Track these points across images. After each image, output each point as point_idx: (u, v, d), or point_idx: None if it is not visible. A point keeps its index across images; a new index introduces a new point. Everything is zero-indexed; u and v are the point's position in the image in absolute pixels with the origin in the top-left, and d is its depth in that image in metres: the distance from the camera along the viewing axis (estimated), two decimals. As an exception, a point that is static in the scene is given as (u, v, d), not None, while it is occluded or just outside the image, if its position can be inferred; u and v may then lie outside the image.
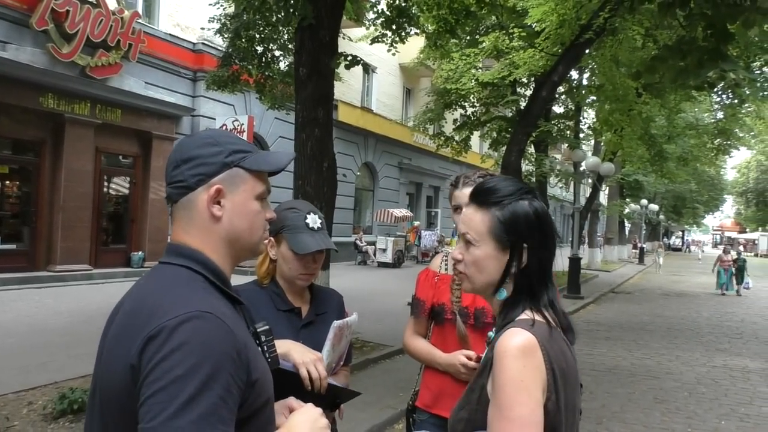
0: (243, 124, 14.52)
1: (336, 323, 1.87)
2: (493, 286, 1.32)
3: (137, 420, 0.94)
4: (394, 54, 10.84)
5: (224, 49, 10.16)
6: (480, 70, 14.73)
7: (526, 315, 1.26)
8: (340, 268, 17.76)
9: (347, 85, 19.11)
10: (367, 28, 11.23)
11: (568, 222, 46.94)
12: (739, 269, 18.59)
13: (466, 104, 16.08)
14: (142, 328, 0.99)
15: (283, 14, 8.30)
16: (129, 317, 1.05)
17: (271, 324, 1.88)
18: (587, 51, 10.39)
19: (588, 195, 22.17)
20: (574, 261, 15.10)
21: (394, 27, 9.02)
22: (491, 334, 1.37)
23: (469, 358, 2.09)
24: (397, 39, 9.72)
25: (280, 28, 9.46)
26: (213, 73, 10.63)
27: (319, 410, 1.24)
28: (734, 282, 18.55)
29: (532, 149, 16.37)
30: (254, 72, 10.16)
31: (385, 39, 9.99)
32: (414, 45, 15.05)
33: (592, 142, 23.89)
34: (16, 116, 11.05)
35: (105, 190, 13.31)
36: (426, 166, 25.14)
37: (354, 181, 21.03)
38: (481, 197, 1.32)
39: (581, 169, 16.92)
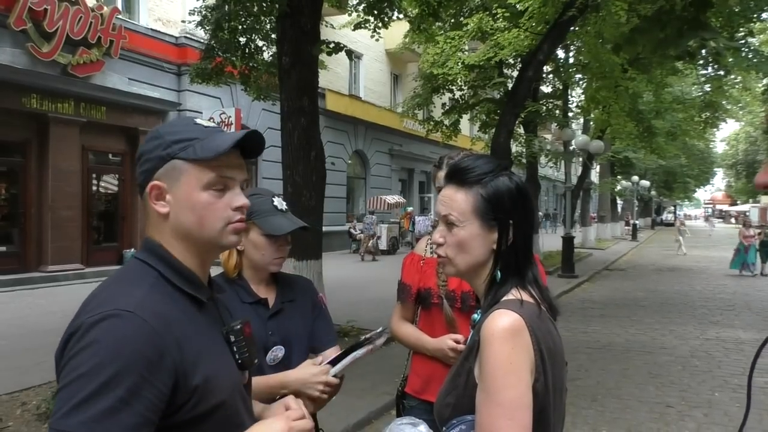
0: (230, 116, 14.44)
1: (361, 351, 1.84)
2: (476, 267, 1.29)
3: None
4: (377, 40, 10.74)
5: (207, 42, 10.04)
6: (466, 53, 14.65)
7: (513, 295, 1.24)
8: (335, 257, 17.76)
9: (334, 74, 19.00)
10: (350, 15, 11.13)
11: (560, 202, 47.06)
12: (764, 245, 16.21)
13: (453, 88, 15.99)
14: (71, 324, 0.99)
15: (264, 4, 8.21)
16: (78, 310, 1.04)
17: (239, 317, 1.87)
18: (572, 29, 10.34)
19: (579, 174, 22.19)
20: (568, 240, 15.13)
21: (375, 12, 8.93)
22: (475, 316, 1.35)
23: (457, 342, 2.07)
24: (380, 24, 9.63)
25: (262, 18, 9.36)
26: (196, 65, 10.50)
27: (285, 427, 1.14)
28: (758, 260, 16.21)
29: (521, 130, 16.35)
30: (238, 63, 10.05)
31: (368, 25, 9.90)
32: (399, 30, 14.94)
33: (582, 120, 23.87)
34: (-1, 118, 10.94)
35: (94, 188, 13.23)
36: (417, 151, 25.08)
37: (345, 169, 20.96)
38: (460, 176, 1.29)
39: (571, 148, 16.90)
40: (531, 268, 1.29)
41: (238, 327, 1.19)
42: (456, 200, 1.28)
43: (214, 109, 14.75)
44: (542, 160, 17.35)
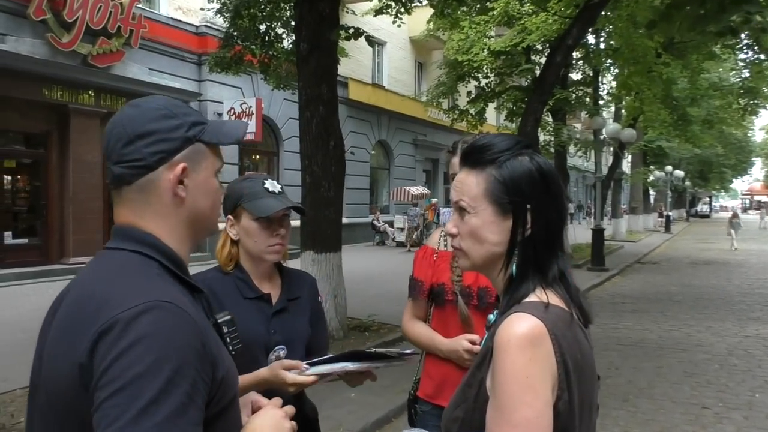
0: (251, 106, 14.31)
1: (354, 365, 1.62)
2: (494, 259, 1.10)
3: (86, 425, 0.84)
4: (399, 26, 10.45)
5: (226, 30, 9.88)
6: (492, 39, 14.27)
7: (536, 296, 1.04)
8: (358, 249, 17.61)
9: (357, 62, 18.74)
10: (368, 0, 10.85)
11: (590, 192, 46.27)
12: None
13: (479, 75, 15.63)
14: (91, 322, 0.88)
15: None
16: (74, 308, 0.94)
17: (239, 314, 1.67)
18: (602, 12, 9.90)
19: (610, 164, 21.65)
20: (598, 232, 14.75)
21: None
22: (491, 317, 1.18)
23: (473, 343, 1.91)
24: (403, 10, 9.35)
25: (282, 4, 9.16)
26: (215, 54, 10.36)
27: (282, 411, 1.13)
28: None
29: (550, 119, 15.92)
30: (257, 52, 9.89)
31: (389, 10, 9.62)
32: (423, 16, 14.62)
33: (613, 108, 23.25)
34: (20, 109, 10.94)
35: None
36: (441, 141, 24.69)
37: (368, 160, 20.75)
38: (474, 156, 1.13)
39: (602, 137, 16.43)
40: (557, 263, 1.09)
41: (229, 317, 1.20)
42: (467, 183, 1.12)
43: (235, 98, 14.63)
44: (571, 149, 16.93)
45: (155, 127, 1.01)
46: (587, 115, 18.05)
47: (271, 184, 1.77)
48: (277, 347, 1.75)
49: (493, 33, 14.44)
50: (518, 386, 0.96)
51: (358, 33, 7.53)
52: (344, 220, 17.90)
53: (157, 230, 1.02)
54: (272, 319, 1.77)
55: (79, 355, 0.87)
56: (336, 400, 4.74)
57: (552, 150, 15.54)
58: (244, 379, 1.58)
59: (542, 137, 16.15)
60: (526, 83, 15.31)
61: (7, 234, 11.07)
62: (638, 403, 5.18)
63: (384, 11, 9.90)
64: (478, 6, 13.55)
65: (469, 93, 16.77)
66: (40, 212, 11.73)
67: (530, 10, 11.87)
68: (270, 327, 1.76)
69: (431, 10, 11.72)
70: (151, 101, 1.06)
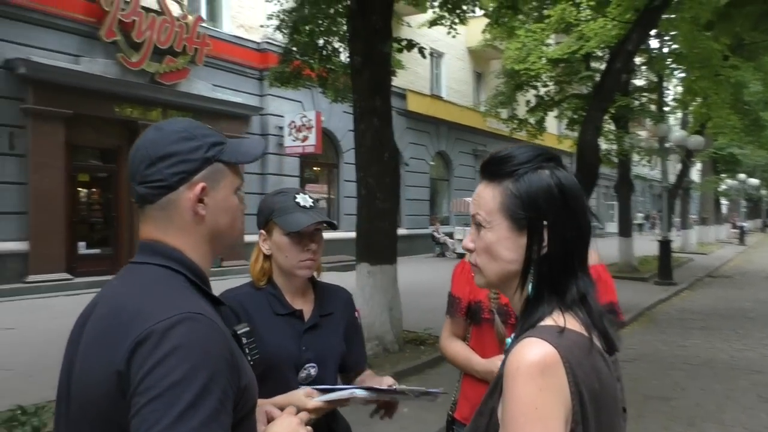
0: (311, 119, 14.56)
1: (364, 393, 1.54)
2: (509, 277, 1.06)
3: (121, 429, 0.89)
4: (454, 36, 10.42)
5: (285, 45, 10.11)
6: (551, 46, 14.02)
7: (553, 319, 0.99)
8: (418, 261, 17.54)
9: (415, 74, 18.78)
10: (425, 12, 10.87)
11: (656, 202, 44.60)
12: None
13: (538, 84, 15.37)
14: (126, 333, 0.93)
15: (339, 6, 8.13)
16: (108, 319, 0.98)
17: (270, 330, 1.68)
18: (664, 15, 9.56)
19: (678, 173, 20.80)
20: (665, 244, 14.14)
21: (450, 7, 8.61)
22: (509, 340, 1.11)
23: None
24: (457, 20, 9.33)
25: (338, 19, 9.30)
26: (274, 69, 10.61)
27: (297, 419, 1.16)
28: None
29: (612, 126, 15.46)
30: (315, 66, 10.07)
31: (444, 21, 9.62)
32: (480, 26, 14.51)
33: (680, 115, 22.36)
34: (94, 126, 11.51)
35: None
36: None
37: (428, 171, 20.71)
38: (492, 168, 1.09)
39: (667, 144, 15.81)
40: (576, 284, 1.03)
41: (248, 329, 1.28)
42: (484, 197, 1.08)
43: (295, 112, 14.92)
44: (635, 157, 16.37)
45: (176, 149, 1.07)
46: (652, 123, 17.42)
47: (303, 199, 1.75)
48: (307, 365, 1.72)
49: (551, 41, 14.18)
50: (526, 418, 0.90)
51: (411, 45, 7.55)
52: (404, 232, 18.07)
53: (181, 246, 1.07)
54: (304, 336, 1.74)
55: (117, 363, 0.91)
56: (387, 413, 4.71)
57: (614, 159, 15.05)
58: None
59: (603, 146, 15.70)
60: (587, 91, 14.94)
61: (81, 244, 11.63)
62: (705, 428, 4.89)
63: (438, 22, 9.91)
64: (536, 14, 13.36)
65: (527, 102, 16.52)
66: (111, 223, 12.28)
67: (588, 17, 11.57)
68: (301, 344, 1.72)
69: (487, 20, 11.65)
70: (173, 124, 1.12)
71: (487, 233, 1.06)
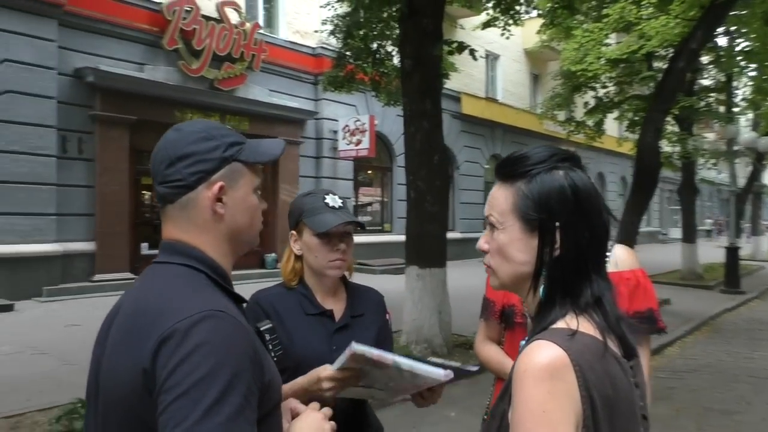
0: (364, 123, 14.66)
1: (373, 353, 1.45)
2: (522, 279, 1.05)
3: (148, 427, 0.91)
4: (508, 38, 10.29)
5: (338, 50, 10.24)
6: (610, 46, 13.63)
7: (566, 322, 0.97)
8: (472, 265, 17.35)
9: (470, 76, 18.64)
10: (479, 14, 10.77)
11: (725, 207, 42.68)
12: None
13: (596, 85, 14.97)
14: (150, 330, 0.95)
15: (393, 9, 8.16)
16: (133, 319, 1.01)
17: (301, 330, 1.71)
18: (732, 11, 9.15)
19: (748, 176, 19.84)
20: (732, 251, 13.50)
21: (502, 7, 8.50)
22: (523, 343, 1.09)
23: None
24: (511, 21, 9.21)
25: (391, 23, 9.35)
26: (328, 74, 10.75)
27: (321, 414, 1.17)
28: None
29: (676, 128, 14.90)
30: (369, 70, 10.15)
31: (497, 23, 9.52)
32: (537, 27, 14.27)
33: (751, 115, 21.31)
34: (156, 131, 11.80)
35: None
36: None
37: (483, 174, 20.51)
38: (506, 168, 1.09)
39: (736, 147, 15.10)
40: (590, 288, 1.00)
41: (270, 325, 1.31)
42: (497, 198, 1.09)
43: (350, 116, 15.05)
44: (701, 160, 15.72)
45: (194, 149, 1.09)
46: (719, 124, 16.68)
47: (332, 199, 1.77)
48: None
49: (612, 40, 13.79)
50: (534, 421, 0.88)
51: (461, 47, 7.50)
52: (457, 236, 17.98)
53: (201, 245, 1.09)
54: (334, 336, 1.75)
55: (143, 361, 0.92)
56: (434, 418, 4.69)
57: (677, 162, 14.48)
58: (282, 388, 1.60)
59: (666, 148, 15.14)
60: (649, 92, 14.45)
61: (144, 245, 12.06)
62: (771, 443, 4.67)
63: (492, 24, 9.81)
64: (594, 13, 13.02)
65: (585, 104, 16.14)
66: (171, 226, 12.69)
67: (650, 15, 11.18)
68: (332, 344, 1.73)
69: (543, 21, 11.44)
70: (192, 125, 1.14)
71: (500, 234, 1.06)
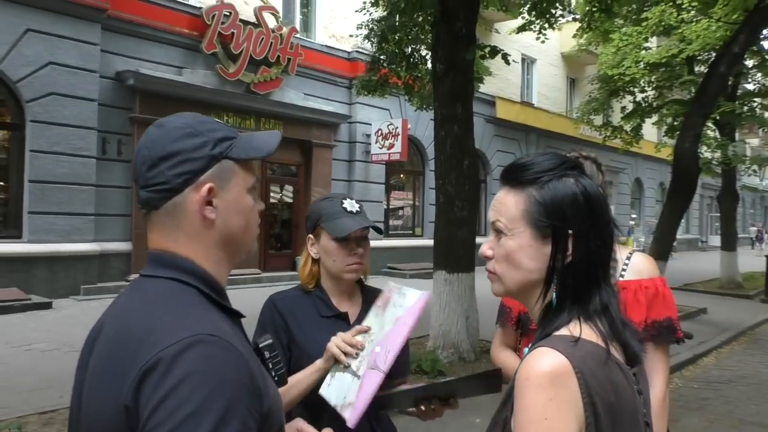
0: (397, 127, 14.68)
1: (388, 288, 1.64)
2: (529, 287, 1.04)
3: None
4: (543, 42, 10.19)
5: (372, 54, 10.29)
6: (650, 50, 13.38)
7: (568, 329, 0.97)
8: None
9: (505, 80, 18.53)
10: (516, 18, 10.69)
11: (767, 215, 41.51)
12: None
13: (635, 89, 14.71)
14: (133, 360, 0.84)
15: (428, 15, 8.17)
16: (114, 344, 0.89)
17: (315, 331, 1.74)
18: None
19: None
20: (773, 260, 13.10)
21: (536, 11, 8.43)
22: (527, 350, 1.08)
23: None
24: (546, 25, 9.12)
25: (426, 27, 9.36)
26: (361, 78, 10.81)
27: None
28: None
29: (716, 134, 14.52)
30: (402, 74, 10.17)
31: (533, 27, 9.44)
32: (574, 31, 14.10)
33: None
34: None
35: (271, 198, 14.20)
36: (600, 160, 23.52)
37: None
38: (514, 174, 1.07)
39: (780, 153, 14.64)
40: (599, 295, 1.00)
41: (270, 341, 1.12)
42: (506, 203, 1.06)
43: (383, 120, 15.10)
44: (742, 167, 15.29)
45: (178, 147, 0.97)
46: (763, 129, 16.19)
47: (350, 204, 1.80)
48: None
49: (651, 43, 13.52)
50: (536, 429, 0.88)
51: (494, 51, 7.46)
52: (487, 240, 17.77)
53: (191, 254, 0.98)
54: None
55: (124, 396, 0.82)
56: (459, 423, 4.66)
57: (717, 168, 14.11)
58: (302, 374, 1.62)
59: (706, 154, 14.77)
60: (689, 96, 14.14)
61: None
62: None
63: (527, 28, 9.73)
64: (634, 17, 12.79)
65: (623, 108, 15.86)
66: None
67: (689, 18, 10.94)
68: None
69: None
70: (175, 119, 1.01)
71: (508, 241, 1.04)
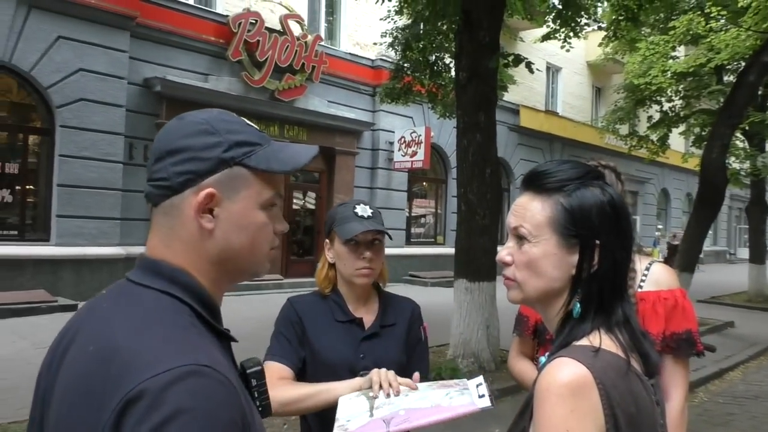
0: (420, 135, 14.69)
1: (464, 381, 1.56)
2: (550, 295, 1.02)
3: None
4: (568, 50, 10.13)
5: (396, 62, 10.33)
6: (678, 59, 13.21)
7: (588, 339, 0.96)
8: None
9: (529, 89, 18.43)
10: (541, 26, 10.65)
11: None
12: None
13: (662, 99, 14.53)
14: (115, 385, 0.73)
15: (452, 24, 8.18)
16: (93, 363, 0.78)
17: (329, 336, 1.75)
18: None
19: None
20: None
21: (561, 20, 8.40)
22: (542, 359, 1.07)
23: None
24: (571, 34, 9.07)
25: (450, 35, 9.38)
26: (385, 85, 10.85)
27: None
28: None
29: (745, 144, 14.26)
30: (426, 82, 10.19)
31: (557, 35, 9.40)
32: (599, 40, 14.00)
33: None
34: (218, 140, 12.30)
35: (293, 205, 14.29)
36: (619, 170, 23.22)
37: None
38: (539, 181, 1.05)
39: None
40: (621, 306, 1.00)
41: (259, 368, 0.98)
42: (530, 210, 1.04)
43: (406, 128, 15.12)
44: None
45: (187, 144, 0.88)
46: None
47: (362, 209, 1.80)
48: (363, 371, 1.72)
49: (679, 52, 13.34)
50: None
51: (518, 60, 7.44)
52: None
53: (186, 265, 0.88)
54: (361, 344, 1.77)
55: (103, 424, 0.72)
56: (477, 434, 4.63)
57: (745, 179, 13.85)
58: (339, 384, 1.60)
59: (735, 165, 14.51)
60: (717, 106, 13.94)
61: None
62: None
63: (552, 36, 9.70)
64: (661, 26, 12.65)
65: (649, 118, 15.67)
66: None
67: (718, 27, 10.79)
68: (359, 351, 1.76)
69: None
70: (198, 114, 0.93)
71: (533, 248, 1.02)
